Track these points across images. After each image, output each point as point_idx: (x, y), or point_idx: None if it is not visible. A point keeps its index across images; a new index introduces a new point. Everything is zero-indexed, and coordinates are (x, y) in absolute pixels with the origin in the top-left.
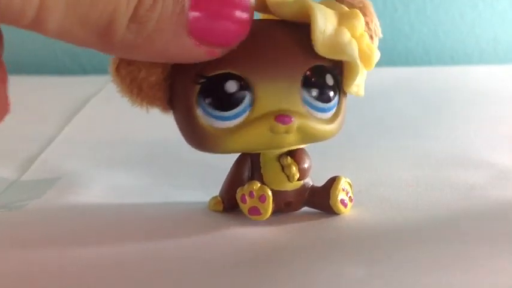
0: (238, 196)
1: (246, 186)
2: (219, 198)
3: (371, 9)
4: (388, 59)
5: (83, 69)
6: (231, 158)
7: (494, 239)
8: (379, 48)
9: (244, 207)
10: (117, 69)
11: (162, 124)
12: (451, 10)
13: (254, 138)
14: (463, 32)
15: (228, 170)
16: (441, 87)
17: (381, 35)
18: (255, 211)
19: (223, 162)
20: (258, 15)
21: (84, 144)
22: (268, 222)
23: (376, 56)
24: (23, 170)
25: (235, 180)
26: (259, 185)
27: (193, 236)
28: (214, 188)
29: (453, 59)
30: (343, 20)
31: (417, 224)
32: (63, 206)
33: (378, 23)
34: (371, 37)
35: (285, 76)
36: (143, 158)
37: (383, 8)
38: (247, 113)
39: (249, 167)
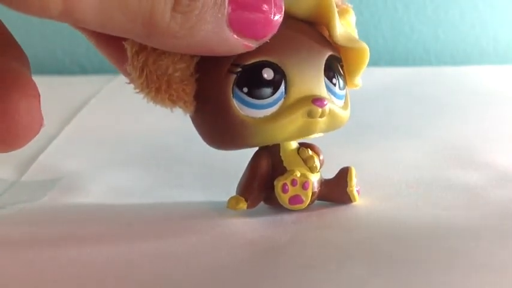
0: (278, 186)
1: (286, 175)
2: (239, 196)
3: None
4: (388, 59)
5: (83, 69)
6: (231, 159)
7: (494, 239)
8: (379, 48)
9: (285, 197)
10: (142, 67)
11: (162, 124)
12: (451, 10)
13: (291, 124)
14: (463, 32)
15: (229, 170)
16: (441, 87)
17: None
18: (296, 200)
19: (224, 164)
20: None
21: (84, 144)
22: (268, 222)
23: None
24: (22, 170)
25: (255, 177)
26: (299, 173)
27: (193, 236)
28: (214, 188)
29: (453, 59)
30: (339, 16)
31: (417, 225)
32: (63, 207)
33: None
34: None
35: (312, 63)
36: (143, 158)
37: (383, 8)
38: (282, 100)
39: (268, 163)
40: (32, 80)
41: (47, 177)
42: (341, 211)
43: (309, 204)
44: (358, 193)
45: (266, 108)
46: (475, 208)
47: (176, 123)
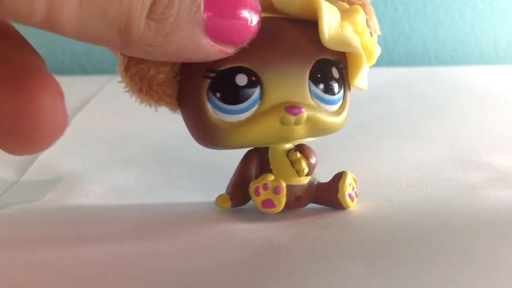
0: (251, 189)
1: (260, 179)
2: (226, 195)
3: (370, 6)
4: (388, 59)
5: (83, 69)
6: (232, 159)
7: (493, 239)
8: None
9: (258, 200)
10: (126, 68)
11: (162, 124)
12: (451, 10)
13: (264, 131)
14: (463, 32)
15: (229, 170)
16: (441, 87)
17: (379, 32)
18: (269, 204)
19: (224, 163)
20: None
21: (84, 144)
22: (268, 221)
23: (378, 50)
24: (22, 170)
25: (242, 177)
26: (273, 177)
27: (193, 236)
28: (214, 189)
29: (453, 59)
30: (345, 16)
31: (417, 224)
32: (63, 207)
33: (376, 21)
34: (370, 34)
35: (293, 69)
36: (143, 158)
37: (383, 9)
38: (257, 106)
39: (256, 164)
40: (53, 78)
41: (47, 177)
42: (341, 211)
43: (299, 207)
44: (356, 196)
45: (239, 113)
46: (475, 208)
47: (176, 124)
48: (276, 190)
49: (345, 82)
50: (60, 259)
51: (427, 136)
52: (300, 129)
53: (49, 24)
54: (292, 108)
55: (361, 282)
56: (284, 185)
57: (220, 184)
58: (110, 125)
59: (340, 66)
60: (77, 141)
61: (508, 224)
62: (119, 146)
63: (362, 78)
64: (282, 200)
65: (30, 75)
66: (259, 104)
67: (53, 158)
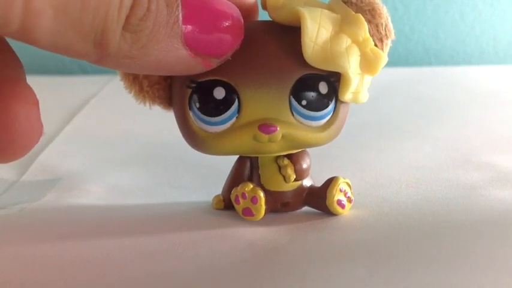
0: (232, 197)
1: (239, 188)
2: (220, 196)
3: (381, 11)
4: (388, 59)
5: (83, 69)
6: (231, 160)
7: (493, 239)
8: None
9: (238, 208)
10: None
11: (162, 124)
12: (451, 10)
13: (238, 145)
14: (463, 32)
15: (228, 171)
16: (441, 87)
17: (393, 37)
18: (248, 212)
19: (223, 164)
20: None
21: (84, 144)
22: (268, 222)
23: (383, 61)
24: (22, 170)
25: (235, 180)
26: (251, 186)
27: (193, 236)
28: (214, 189)
29: (453, 59)
30: (344, 25)
31: (417, 225)
32: (63, 207)
33: (390, 25)
34: (381, 40)
35: (272, 84)
36: (143, 158)
37: None
38: (234, 119)
39: (248, 167)
40: (30, 87)
41: (47, 177)
42: None
43: (291, 211)
44: (350, 202)
45: (216, 125)
46: (475, 208)
47: (175, 124)
48: (253, 200)
49: (337, 96)
50: (60, 258)
51: (427, 136)
52: (276, 145)
53: (24, 34)
54: (265, 126)
55: (361, 282)
56: (261, 195)
57: (220, 184)
58: (110, 125)
59: (332, 79)
60: (77, 141)
61: (508, 224)
62: (118, 146)
63: (352, 93)
64: (260, 209)
65: (5, 85)
66: (237, 118)
67: (53, 158)
